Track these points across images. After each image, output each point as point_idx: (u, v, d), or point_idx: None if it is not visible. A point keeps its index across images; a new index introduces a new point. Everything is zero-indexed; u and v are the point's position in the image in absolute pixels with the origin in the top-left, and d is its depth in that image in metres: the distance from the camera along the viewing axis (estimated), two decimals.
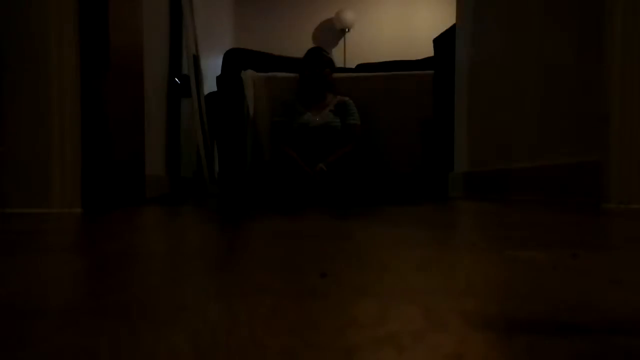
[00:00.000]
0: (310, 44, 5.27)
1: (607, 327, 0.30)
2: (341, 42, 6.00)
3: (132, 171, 2.04)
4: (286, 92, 3.06)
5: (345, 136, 2.91)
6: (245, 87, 3.09)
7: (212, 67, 4.18)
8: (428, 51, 3.27)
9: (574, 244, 0.70)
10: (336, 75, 3.08)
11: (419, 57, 3.55)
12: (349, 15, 5.83)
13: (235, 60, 3.26)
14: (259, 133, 3.13)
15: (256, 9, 5.96)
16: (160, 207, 1.74)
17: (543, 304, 0.36)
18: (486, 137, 2.45)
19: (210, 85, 3.77)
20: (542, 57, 1.96)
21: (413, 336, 0.28)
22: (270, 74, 3.20)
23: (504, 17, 2.29)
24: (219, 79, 3.29)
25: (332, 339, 0.28)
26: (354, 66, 3.78)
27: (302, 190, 2.72)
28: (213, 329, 0.30)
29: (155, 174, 2.65)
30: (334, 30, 5.97)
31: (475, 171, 2.53)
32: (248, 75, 3.12)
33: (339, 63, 5.56)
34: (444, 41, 2.93)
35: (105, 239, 0.82)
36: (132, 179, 2.03)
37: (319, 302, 0.36)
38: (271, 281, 0.45)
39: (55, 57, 1.55)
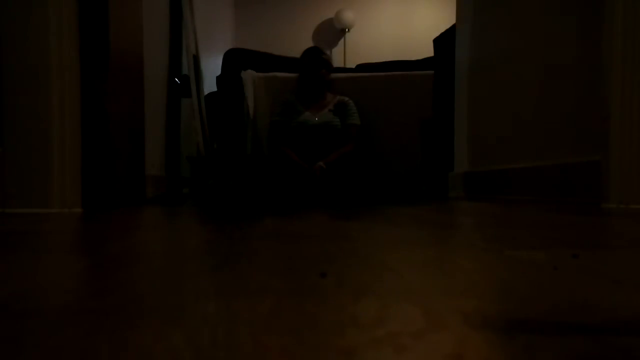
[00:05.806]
0: (310, 44, 5.26)
1: (607, 327, 0.30)
2: (341, 42, 6.00)
3: (132, 171, 2.04)
4: (286, 92, 3.06)
5: (345, 136, 2.91)
6: (245, 87, 3.09)
7: (212, 67, 4.17)
8: (428, 51, 3.27)
9: (574, 244, 0.70)
10: (336, 75, 3.08)
11: (419, 57, 3.55)
12: (349, 15, 5.83)
13: (235, 60, 3.26)
14: (258, 133, 3.13)
15: (256, 9, 5.96)
16: (160, 207, 1.74)
17: (543, 304, 0.36)
18: (486, 137, 2.45)
19: (210, 85, 3.77)
20: (542, 57, 1.96)
21: (413, 336, 0.28)
22: (270, 74, 3.20)
23: (504, 17, 2.29)
24: (219, 79, 3.28)
25: (332, 339, 0.28)
26: (354, 66, 3.78)
27: (301, 190, 2.72)
28: (213, 329, 0.30)
29: (155, 174, 2.64)
30: (334, 30, 5.96)
31: (475, 171, 2.53)
32: (248, 75, 3.12)
33: (339, 63, 5.55)
34: (444, 41, 2.93)
35: (105, 239, 0.82)
36: (132, 179, 2.03)
37: (319, 302, 0.36)
38: (271, 281, 0.45)
39: (55, 57, 1.55)
